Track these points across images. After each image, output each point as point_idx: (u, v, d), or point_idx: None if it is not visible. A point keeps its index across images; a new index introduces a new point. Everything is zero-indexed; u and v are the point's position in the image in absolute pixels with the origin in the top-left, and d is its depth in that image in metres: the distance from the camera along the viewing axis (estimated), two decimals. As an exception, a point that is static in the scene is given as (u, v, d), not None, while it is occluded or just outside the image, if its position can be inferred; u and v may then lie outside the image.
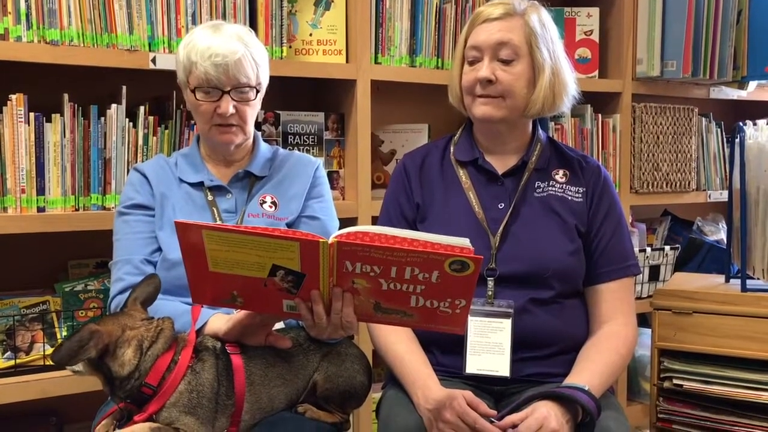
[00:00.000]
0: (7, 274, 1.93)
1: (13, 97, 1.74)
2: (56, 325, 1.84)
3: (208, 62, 1.49)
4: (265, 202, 1.60)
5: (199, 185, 1.59)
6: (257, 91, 1.58)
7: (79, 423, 1.95)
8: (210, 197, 1.58)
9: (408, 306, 1.19)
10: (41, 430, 1.95)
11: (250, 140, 1.65)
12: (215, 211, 1.56)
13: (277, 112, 2.11)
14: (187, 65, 1.53)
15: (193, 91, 1.53)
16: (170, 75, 1.65)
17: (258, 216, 1.58)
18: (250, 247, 1.16)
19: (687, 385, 1.71)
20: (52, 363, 1.77)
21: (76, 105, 1.82)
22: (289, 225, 1.58)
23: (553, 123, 2.54)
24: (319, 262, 1.15)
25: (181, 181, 1.60)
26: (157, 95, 1.98)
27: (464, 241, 1.12)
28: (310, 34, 2.16)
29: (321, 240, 1.13)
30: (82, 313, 1.86)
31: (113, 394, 1.31)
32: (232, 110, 1.52)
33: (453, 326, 1.23)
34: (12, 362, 1.77)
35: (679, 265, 2.82)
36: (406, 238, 1.12)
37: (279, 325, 1.50)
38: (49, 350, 1.80)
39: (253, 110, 1.59)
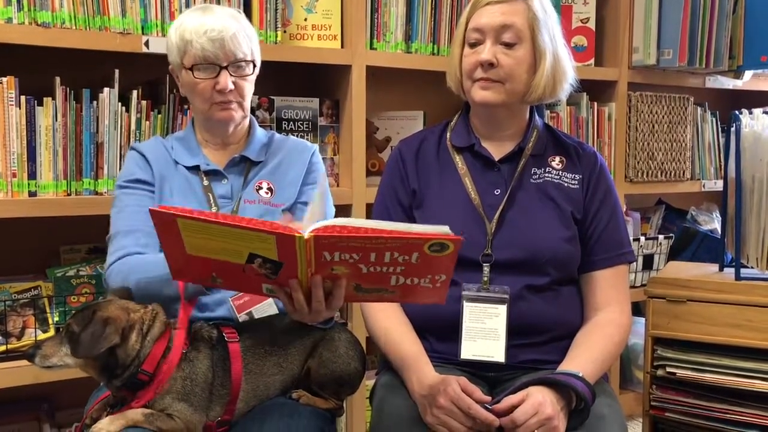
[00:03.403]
0: (-2, 259, 1.91)
1: (4, 80, 1.72)
2: (48, 310, 1.83)
3: (204, 38, 1.47)
4: (261, 188, 1.59)
5: (195, 169, 1.58)
6: (254, 66, 1.56)
7: (71, 409, 1.94)
8: (206, 182, 1.56)
9: (388, 284, 1.19)
10: (33, 417, 1.94)
11: (247, 122, 1.63)
12: (211, 197, 1.55)
13: (272, 97, 2.09)
14: (182, 45, 1.51)
15: (191, 69, 1.51)
16: (163, 59, 1.63)
17: (254, 203, 1.56)
18: (227, 237, 1.15)
19: (680, 373, 1.71)
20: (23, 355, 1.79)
21: (68, 88, 1.80)
22: (285, 211, 1.57)
23: (548, 111, 2.53)
24: (296, 254, 1.14)
25: (177, 163, 1.58)
26: (150, 79, 1.96)
27: (444, 229, 1.10)
28: (305, 19, 2.14)
29: (297, 234, 1.11)
30: (74, 298, 1.84)
31: (109, 382, 1.30)
32: (231, 85, 1.50)
33: (433, 298, 1.23)
34: (3, 347, 1.76)
35: (673, 254, 2.83)
36: (385, 229, 1.11)
37: (272, 309, 1.50)
38: (42, 335, 1.79)
39: (251, 86, 1.58)
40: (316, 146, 1.70)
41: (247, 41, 1.53)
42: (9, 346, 1.77)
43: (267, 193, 1.58)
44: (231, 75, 1.51)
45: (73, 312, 1.33)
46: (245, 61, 1.53)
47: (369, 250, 1.12)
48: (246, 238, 1.14)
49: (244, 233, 1.13)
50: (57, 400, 1.99)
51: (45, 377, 1.76)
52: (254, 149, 1.61)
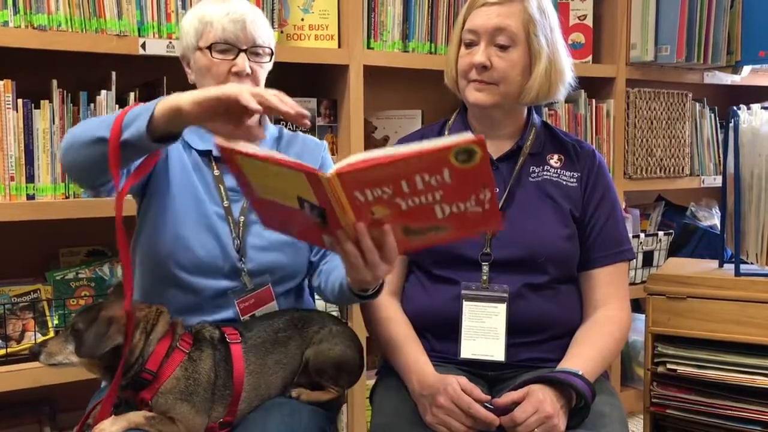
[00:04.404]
0: (-3, 262, 1.91)
1: (1, 83, 1.72)
2: (47, 313, 1.83)
3: (226, 19, 1.44)
4: None
5: (206, 155, 1.51)
6: (271, 57, 1.52)
7: (72, 412, 1.94)
8: (216, 171, 1.50)
9: (436, 219, 1.11)
10: (34, 419, 1.94)
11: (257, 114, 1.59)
12: (222, 188, 1.49)
13: (269, 98, 2.09)
14: (200, 27, 1.46)
15: (209, 49, 1.45)
16: (160, 60, 1.63)
17: None
18: (275, 176, 1.11)
19: (681, 369, 1.71)
20: (28, 354, 1.79)
21: (65, 91, 1.80)
22: None
23: (546, 109, 2.53)
24: (328, 197, 1.08)
25: (189, 147, 1.51)
26: (148, 81, 1.96)
27: (464, 135, 1.02)
28: (302, 19, 2.14)
29: (320, 174, 1.06)
30: (73, 301, 1.84)
31: (112, 380, 1.30)
32: (248, 69, 1.45)
33: (488, 225, 1.13)
34: (3, 351, 1.76)
35: (673, 251, 2.83)
36: (406, 150, 1.04)
37: (273, 305, 1.48)
38: (41, 338, 1.79)
39: (264, 76, 1.52)
40: (325, 143, 1.67)
41: (267, 29, 1.51)
42: (9, 350, 1.77)
43: None
44: (249, 59, 1.46)
45: (79, 310, 1.33)
46: (263, 47, 1.49)
47: (398, 179, 1.05)
48: (287, 177, 1.10)
49: (283, 171, 1.09)
50: (58, 402, 1.99)
51: (46, 380, 1.76)
52: (266, 141, 1.56)
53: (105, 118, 1.29)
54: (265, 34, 1.49)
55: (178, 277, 1.42)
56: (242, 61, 1.45)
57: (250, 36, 1.46)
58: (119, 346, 1.26)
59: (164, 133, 1.22)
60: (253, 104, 1.15)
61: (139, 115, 1.22)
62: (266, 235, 1.47)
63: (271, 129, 1.62)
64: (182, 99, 1.19)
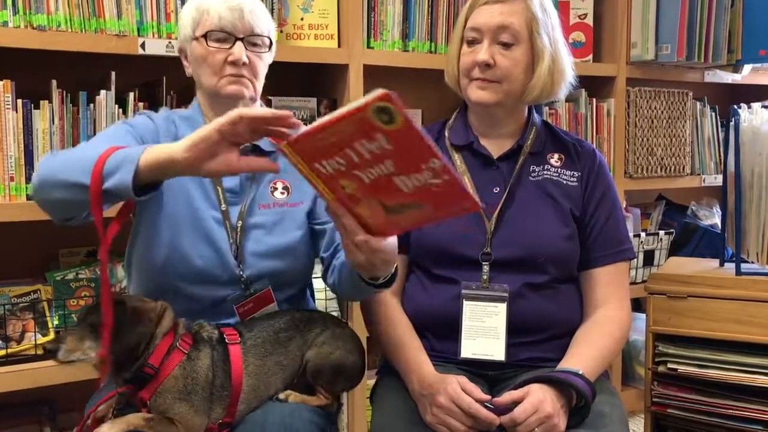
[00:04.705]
0: (-3, 263, 1.91)
1: (0, 83, 1.72)
2: (47, 314, 1.82)
3: (223, 7, 1.41)
4: (276, 188, 1.48)
5: None
6: (270, 46, 1.48)
7: (72, 412, 1.94)
8: None
9: (404, 194, 1.12)
10: (34, 420, 1.94)
11: (257, 105, 1.52)
12: (219, 191, 1.44)
13: (269, 97, 2.09)
14: (197, 16, 1.44)
15: (204, 37, 1.42)
16: (160, 60, 1.63)
17: (268, 206, 1.46)
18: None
19: (682, 369, 1.71)
20: (44, 352, 1.78)
21: (64, 91, 1.79)
22: (308, 213, 1.49)
23: (547, 108, 2.53)
24: (298, 167, 1.12)
25: None
26: (147, 81, 1.96)
27: (375, 91, 1.01)
28: (302, 19, 2.14)
29: (281, 144, 1.09)
30: (73, 302, 1.84)
31: (117, 375, 1.29)
32: (245, 58, 1.41)
33: (464, 203, 1.13)
34: (3, 351, 1.76)
35: (674, 250, 2.83)
36: (330, 115, 1.05)
37: (274, 307, 1.47)
38: (41, 339, 1.79)
39: (264, 66, 1.49)
40: None
41: (266, 20, 1.48)
42: (9, 350, 1.76)
43: (283, 193, 1.49)
44: (246, 48, 1.42)
45: (83, 309, 1.32)
46: (262, 37, 1.45)
47: (342, 147, 1.07)
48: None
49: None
50: (58, 402, 1.99)
51: (45, 380, 1.76)
52: (265, 138, 1.51)
53: (81, 156, 1.22)
54: (264, 24, 1.46)
55: (175, 286, 1.41)
56: (239, 50, 1.42)
57: (247, 24, 1.43)
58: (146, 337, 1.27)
59: (150, 181, 1.18)
60: (253, 112, 1.11)
61: (121, 164, 1.16)
62: (265, 241, 1.44)
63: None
64: (174, 149, 1.14)
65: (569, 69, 1.54)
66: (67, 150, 1.39)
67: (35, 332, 1.79)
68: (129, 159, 1.16)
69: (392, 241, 1.21)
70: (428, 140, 1.06)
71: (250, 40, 1.44)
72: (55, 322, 1.82)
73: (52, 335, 1.81)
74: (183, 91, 1.83)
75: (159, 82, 1.91)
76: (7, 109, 1.72)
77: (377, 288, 1.32)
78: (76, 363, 1.27)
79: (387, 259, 1.22)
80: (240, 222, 1.44)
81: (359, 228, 1.16)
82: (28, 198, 1.76)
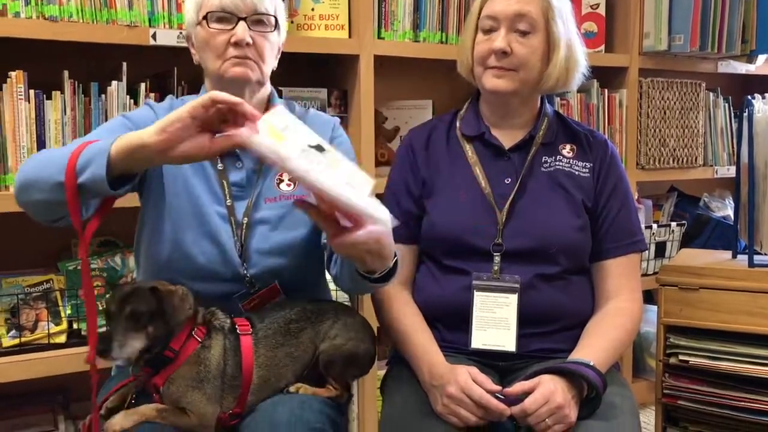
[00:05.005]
0: (10, 253, 1.92)
1: (13, 74, 1.73)
2: (60, 303, 1.84)
3: None
4: (282, 180, 1.44)
5: None
6: (276, 26, 1.42)
7: (86, 401, 1.95)
8: (221, 166, 1.41)
9: None
10: (47, 409, 1.96)
11: (266, 92, 1.47)
12: (225, 185, 1.40)
13: (279, 88, 2.09)
14: (199, 0, 1.40)
15: (205, 19, 1.37)
16: (171, 51, 1.63)
17: (274, 199, 1.43)
18: None
19: (693, 361, 1.70)
20: (57, 342, 1.80)
21: (76, 82, 1.80)
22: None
23: (558, 98, 2.51)
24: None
25: None
26: (158, 72, 1.96)
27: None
28: (312, 9, 2.13)
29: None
30: (86, 291, 1.85)
31: (138, 360, 1.28)
32: (248, 39, 1.36)
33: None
34: (17, 340, 1.77)
35: (686, 242, 2.81)
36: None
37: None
38: (54, 328, 1.80)
39: (272, 48, 1.42)
40: (337, 120, 1.58)
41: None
42: (23, 339, 1.78)
43: (289, 185, 1.45)
44: (250, 29, 1.37)
45: (112, 294, 1.28)
46: (267, 15, 1.39)
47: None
48: None
49: None
50: (72, 391, 2.00)
51: (59, 369, 1.78)
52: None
53: (59, 154, 1.19)
54: (268, 2, 1.40)
55: (180, 282, 1.37)
56: (241, 30, 1.36)
57: (250, 3, 1.37)
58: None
59: (124, 172, 1.16)
60: (222, 96, 1.10)
61: (94, 156, 1.14)
62: (271, 238, 1.41)
63: (280, 106, 1.54)
64: (144, 133, 1.12)
65: (582, 58, 1.54)
66: (48, 150, 1.36)
67: (48, 321, 1.81)
68: (101, 150, 1.14)
69: (373, 230, 1.13)
70: None
71: (254, 19, 1.39)
72: (68, 312, 1.83)
73: (64, 325, 1.82)
74: (194, 81, 1.83)
75: (170, 72, 1.91)
76: (20, 99, 1.73)
77: (373, 283, 1.28)
78: (124, 356, 1.25)
79: (370, 250, 1.17)
80: (246, 219, 1.41)
81: (329, 222, 1.13)
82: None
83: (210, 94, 1.11)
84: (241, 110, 1.11)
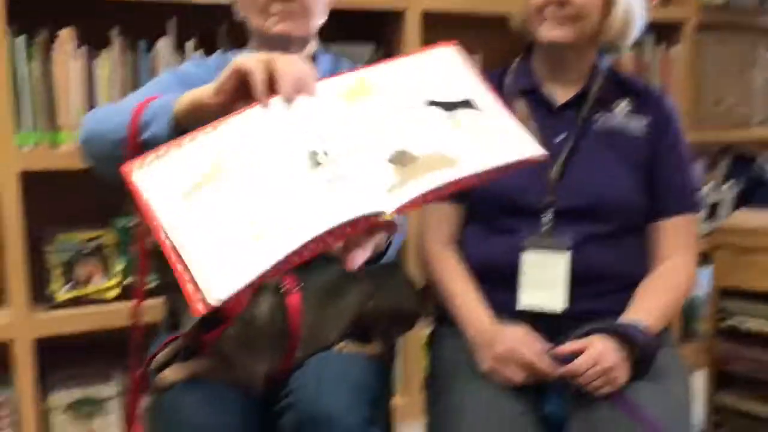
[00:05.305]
0: (64, 209, 1.96)
1: (62, 32, 1.74)
2: (112, 259, 1.88)
3: None
4: None
5: None
6: None
7: (141, 353, 2.01)
8: None
9: None
10: (103, 361, 2.02)
11: (312, 47, 1.43)
12: None
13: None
14: None
15: None
16: (218, 9, 1.62)
17: None
18: None
19: (746, 325, 1.67)
20: (109, 297, 1.85)
21: (125, 39, 1.81)
22: None
23: (612, 54, 2.44)
24: None
25: None
26: (206, 29, 1.96)
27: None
28: (359, -37, 2.09)
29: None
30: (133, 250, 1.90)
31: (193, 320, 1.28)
32: None
33: None
34: (73, 294, 1.82)
35: (740, 203, 2.74)
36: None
37: None
38: (107, 283, 1.85)
39: (318, 1, 1.36)
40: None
41: None
42: (77, 293, 1.83)
43: None
44: None
45: None
46: None
47: None
48: None
49: None
50: (124, 345, 2.06)
51: (111, 323, 1.83)
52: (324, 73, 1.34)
53: (121, 109, 1.18)
54: None
55: None
56: None
57: None
58: None
59: (185, 129, 1.10)
60: (260, 77, 1.00)
61: (157, 113, 1.12)
62: None
63: (325, 63, 1.46)
64: (203, 93, 1.08)
65: (642, 12, 1.48)
66: (110, 104, 1.36)
67: (102, 276, 1.85)
68: (164, 108, 1.12)
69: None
70: None
71: None
72: (119, 268, 1.87)
73: (117, 279, 1.86)
74: (241, 39, 1.82)
75: (217, 30, 1.91)
76: (70, 58, 1.75)
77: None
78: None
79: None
80: None
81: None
82: (92, 145, 1.79)
83: (232, 64, 1.03)
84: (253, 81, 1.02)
